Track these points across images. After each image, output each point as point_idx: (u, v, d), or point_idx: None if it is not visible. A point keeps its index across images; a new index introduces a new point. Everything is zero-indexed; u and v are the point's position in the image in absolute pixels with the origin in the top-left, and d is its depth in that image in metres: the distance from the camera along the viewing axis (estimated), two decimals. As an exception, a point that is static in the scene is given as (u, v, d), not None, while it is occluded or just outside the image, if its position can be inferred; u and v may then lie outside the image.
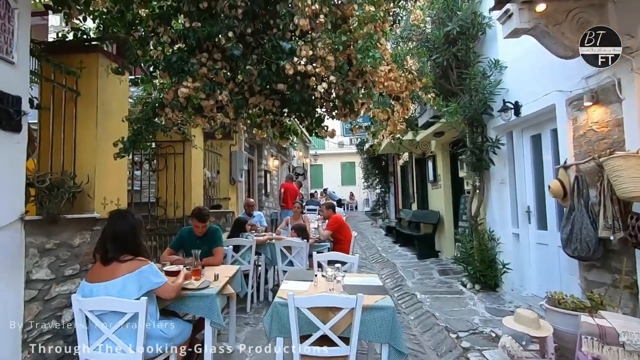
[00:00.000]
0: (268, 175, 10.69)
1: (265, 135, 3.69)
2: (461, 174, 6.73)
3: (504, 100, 5.07)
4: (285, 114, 3.47)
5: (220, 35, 2.57)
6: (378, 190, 15.59)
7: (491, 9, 3.74)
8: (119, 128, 3.35)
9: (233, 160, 7.06)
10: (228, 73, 2.88)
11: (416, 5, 3.46)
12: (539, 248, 4.94)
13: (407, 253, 8.99)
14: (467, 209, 6.08)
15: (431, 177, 8.76)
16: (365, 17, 2.18)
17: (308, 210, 12.13)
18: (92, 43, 3.27)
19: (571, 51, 3.42)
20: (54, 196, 2.63)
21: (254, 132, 3.70)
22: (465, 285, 5.69)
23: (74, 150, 3.11)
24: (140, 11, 3.24)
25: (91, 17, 3.33)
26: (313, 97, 2.68)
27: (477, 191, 5.90)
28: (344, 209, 23.77)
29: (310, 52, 2.24)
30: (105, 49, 3.53)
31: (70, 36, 3.37)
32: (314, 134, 3.34)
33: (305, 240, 5.02)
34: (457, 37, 5.71)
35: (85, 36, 3.27)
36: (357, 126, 3.28)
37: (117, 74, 3.00)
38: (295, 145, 12.17)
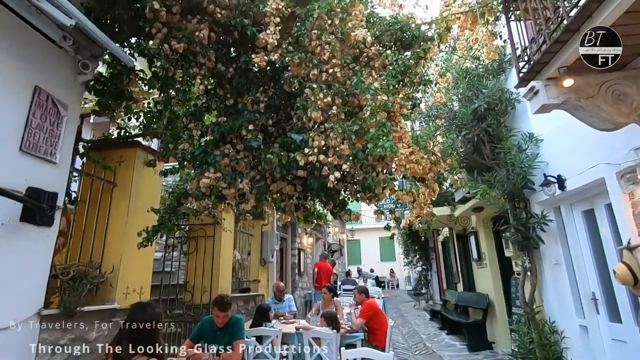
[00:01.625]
0: (302, 253, 10.46)
1: (289, 219, 3.63)
2: (507, 253, 6.14)
3: (544, 174, 4.75)
4: (309, 198, 3.43)
5: (242, 128, 2.68)
6: (419, 268, 14.63)
7: (516, 87, 3.70)
8: (148, 216, 3.45)
9: (264, 240, 7.02)
10: (251, 161, 2.95)
11: (436, 88, 3.50)
12: (615, 346, 4.12)
13: (456, 343, 7.95)
14: (520, 293, 5.39)
15: (475, 256, 8.08)
16: (377, 107, 2.20)
17: (344, 290, 11.46)
18: (133, 139, 3.56)
19: (611, 124, 3.21)
20: (75, 288, 2.63)
21: (278, 215, 3.66)
22: (529, 390, 4.78)
23: (104, 239, 3.20)
24: (177, 109, 3.55)
25: (135, 116, 3.69)
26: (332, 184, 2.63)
27: (528, 273, 5.27)
28: (384, 288, 22.35)
29: (323, 142, 2.25)
30: (146, 142, 3.84)
31: (117, 133, 3.71)
32: (337, 217, 3.23)
33: (336, 330, 4.58)
34: (485, 113, 5.68)
35: (127, 133, 3.59)
36: (379, 211, 3.14)
37: (149, 166, 3.19)
38: (330, 222, 12.07)
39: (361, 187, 2.57)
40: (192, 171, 2.88)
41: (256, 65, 2.66)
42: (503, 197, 5.47)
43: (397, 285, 22.89)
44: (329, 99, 2.31)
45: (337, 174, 2.25)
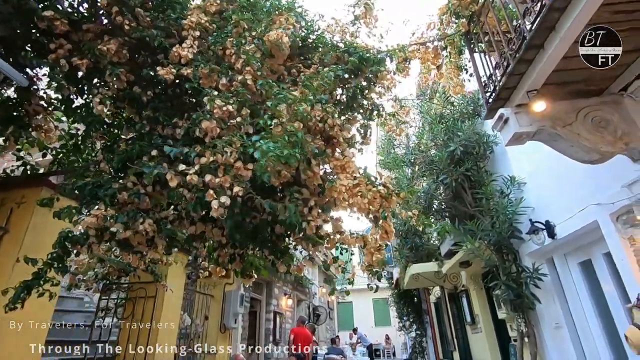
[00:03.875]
0: (278, 317, 9.37)
1: (223, 274, 2.97)
2: (500, 314, 5.34)
3: (530, 220, 4.21)
4: (249, 247, 2.82)
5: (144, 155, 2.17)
6: (413, 333, 13.28)
7: (484, 118, 3.33)
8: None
9: (226, 302, 6.15)
10: (165, 198, 2.40)
11: (389, 118, 3.09)
12: None
13: None
14: (519, 365, 4.52)
15: (468, 318, 7.18)
16: (287, 114, 1.73)
17: (328, 361, 10.17)
18: (39, 177, 3.03)
19: (596, 154, 2.76)
20: None
21: (210, 269, 3.01)
22: None
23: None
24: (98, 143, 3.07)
25: (53, 152, 3.21)
26: (254, 223, 2.07)
27: (526, 339, 4.47)
28: (380, 357, 20.29)
29: (211, 159, 1.74)
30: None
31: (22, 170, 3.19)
32: (275, 270, 2.60)
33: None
34: (462, 157, 5.30)
35: (34, 170, 3.07)
36: (309, 258, 2.53)
37: (42, 206, 2.61)
38: (311, 282, 11.07)
39: (284, 225, 2.02)
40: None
41: (167, 83, 2.24)
42: (489, 249, 4.87)
43: (394, 354, 20.84)
44: (230, 107, 1.85)
45: (224, 199, 1.69)
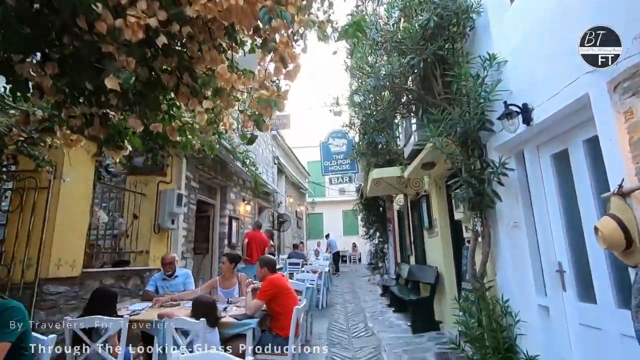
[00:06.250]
0: (235, 222, 9.02)
1: (81, 142, 2.13)
2: (457, 215, 4.96)
3: (505, 102, 3.46)
4: (110, 102, 1.92)
5: None
6: (376, 240, 13.64)
7: None
8: None
9: (161, 201, 5.49)
10: None
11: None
12: (586, 333, 3.00)
13: (401, 322, 6.92)
14: (468, 264, 4.23)
15: (426, 223, 6.95)
16: None
17: (290, 265, 10.28)
18: None
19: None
20: None
21: (62, 137, 2.15)
22: (472, 387, 3.68)
23: None
24: None
25: None
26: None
27: (480, 239, 4.10)
28: (346, 262, 21.55)
29: None
30: None
31: None
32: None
33: (209, 323, 3.19)
34: (436, 32, 4.30)
35: None
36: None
37: None
38: (265, 184, 10.44)
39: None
40: None
41: None
42: (454, 143, 4.20)
43: (360, 260, 22.20)
44: None
45: None
